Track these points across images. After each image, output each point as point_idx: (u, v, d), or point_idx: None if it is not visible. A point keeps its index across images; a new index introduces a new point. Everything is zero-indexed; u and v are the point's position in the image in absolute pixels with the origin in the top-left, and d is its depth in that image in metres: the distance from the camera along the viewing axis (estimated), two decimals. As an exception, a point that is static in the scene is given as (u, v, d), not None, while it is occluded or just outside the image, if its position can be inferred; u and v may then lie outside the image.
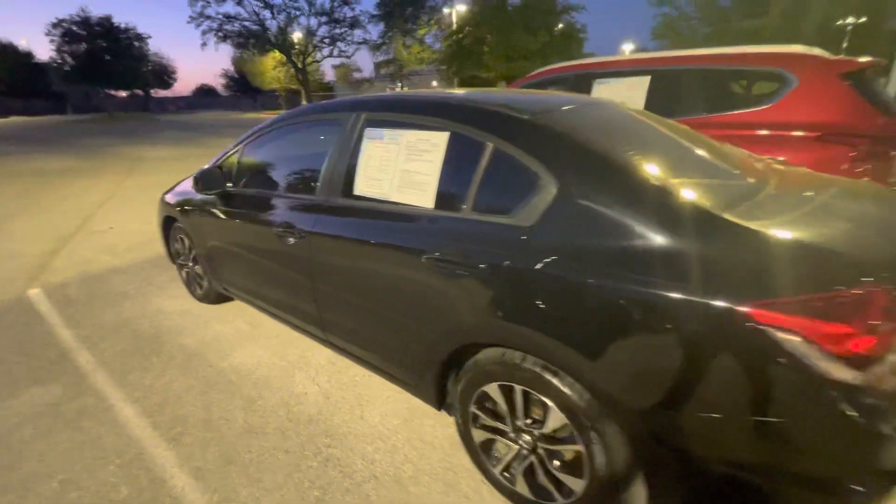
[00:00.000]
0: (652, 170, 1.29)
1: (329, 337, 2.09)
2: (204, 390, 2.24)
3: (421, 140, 1.64)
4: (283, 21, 34.97)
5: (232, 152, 2.59)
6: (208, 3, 32.65)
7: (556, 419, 1.34)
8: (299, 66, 36.13)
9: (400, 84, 38.11)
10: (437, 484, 1.67)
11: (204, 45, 34.08)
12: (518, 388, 1.41)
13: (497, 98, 1.69)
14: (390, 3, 32.96)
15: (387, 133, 1.76)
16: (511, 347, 1.40)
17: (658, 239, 1.13)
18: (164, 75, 48.67)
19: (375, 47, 36.22)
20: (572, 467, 1.36)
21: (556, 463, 1.40)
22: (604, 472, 1.27)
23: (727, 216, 1.13)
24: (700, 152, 1.71)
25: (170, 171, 8.43)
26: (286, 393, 2.20)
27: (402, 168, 1.68)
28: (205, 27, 33.60)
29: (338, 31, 36.00)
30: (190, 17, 33.08)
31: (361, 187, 1.81)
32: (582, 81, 3.71)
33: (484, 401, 1.54)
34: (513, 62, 22.96)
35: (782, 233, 1.09)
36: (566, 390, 1.28)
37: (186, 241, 3.05)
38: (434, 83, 36.58)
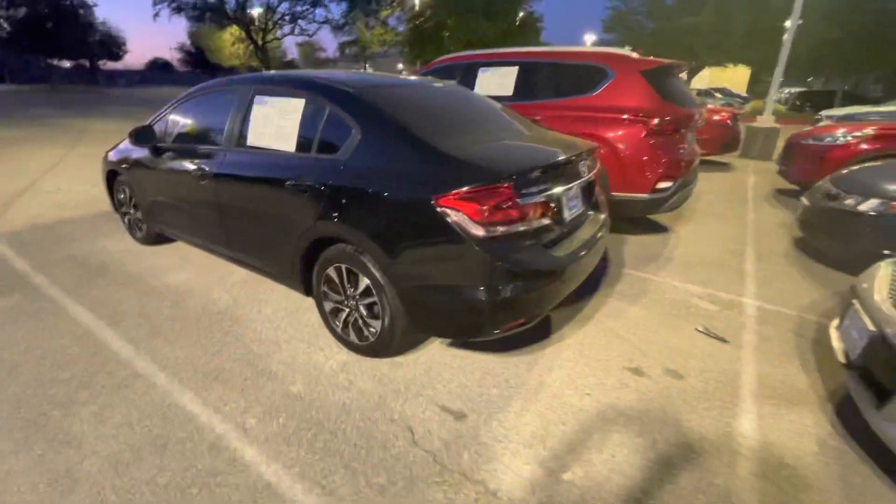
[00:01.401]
0: (419, 124, 2.08)
1: (235, 254, 2.82)
2: (139, 297, 2.91)
3: (288, 104, 2.37)
4: (241, -7, 33.80)
5: (162, 114, 3.22)
6: (160, -30, 31.13)
7: (363, 283, 2.14)
8: (259, 43, 35.22)
9: (364, 66, 37.85)
10: (303, 343, 2.45)
11: (156, 16, 32.57)
12: (344, 267, 2.20)
13: (338, 77, 2.44)
14: (354, -19, 32.53)
15: (268, 100, 2.48)
16: (338, 240, 2.18)
17: (408, 164, 1.93)
18: (112, 46, 46.15)
19: (337, 27, 35.72)
20: (374, 314, 2.16)
21: (365, 313, 2.20)
22: (388, 312, 2.08)
23: (446, 151, 1.94)
24: (482, 119, 2.53)
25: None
26: (205, 298, 2.91)
27: (276, 124, 2.40)
28: (157, -4, 32.11)
29: (299, 8, 35.18)
30: (140, -15, 31.52)
31: (251, 139, 2.52)
32: (469, 69, 4.49)
33: (329, 281, 2.31)
34: (473, 48, 23.55)
35: (470, 159, 1.91)
36: (367, 263, 2.07)
37: (128, 191, 3.65)
38: (399, 66, 36.58)
